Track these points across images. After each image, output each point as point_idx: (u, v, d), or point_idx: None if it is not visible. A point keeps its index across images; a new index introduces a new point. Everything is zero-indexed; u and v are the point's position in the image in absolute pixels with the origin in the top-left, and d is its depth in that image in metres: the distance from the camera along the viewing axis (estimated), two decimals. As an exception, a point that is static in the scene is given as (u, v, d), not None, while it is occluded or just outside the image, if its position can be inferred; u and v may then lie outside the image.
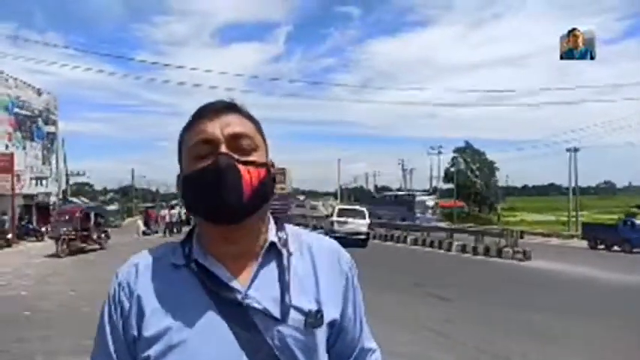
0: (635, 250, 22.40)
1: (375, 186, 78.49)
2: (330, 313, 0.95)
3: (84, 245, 18.54)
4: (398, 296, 9.56)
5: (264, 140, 0.97)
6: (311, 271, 0.96)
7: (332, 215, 22.97)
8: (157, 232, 28.61)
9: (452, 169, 55.44)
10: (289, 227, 1.01)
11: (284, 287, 0.91)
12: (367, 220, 21.31)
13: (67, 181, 40.94)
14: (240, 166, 0.88)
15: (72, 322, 7.27)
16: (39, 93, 29.86)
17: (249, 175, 0.89)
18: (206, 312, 0.88)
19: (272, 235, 0.96)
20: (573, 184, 40.88)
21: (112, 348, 0.91)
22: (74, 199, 35.70)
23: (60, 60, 72.08)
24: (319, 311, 0.92)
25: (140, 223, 30.77)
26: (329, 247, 1.03)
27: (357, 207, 24.74)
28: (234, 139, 0.90)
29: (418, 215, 34.07)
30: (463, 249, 20.01)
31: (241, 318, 0.88)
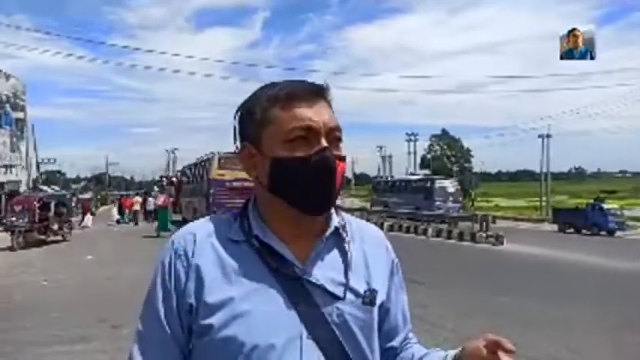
0: (602, 233, 23.23)
1: (354, 173, 78.77)
2: (380, 295, 1.00)
3: (43, 237, 17.46)
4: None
5: None
6: (362, 255, 1.00)
7: None
8: (131, 221, 28.19)
9: (428, 156, 56.11)
10: (343, 213, 1.05)
11: (346, 267, 0.96)
12: None
13: (38, 169, 39.86)
14: (336, 162, 0.92)
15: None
16: (7, 77, 28.86)
17: (340, 170, 0.93)
18: (268, 286, 0.90)
19: (334, 221, 0.99)
20: (545, 170, 41.85)
21: (162, 315, 0.92)
22: (45, 188, 34.80)
23: (29, 44, 69.11)
24: (373, 290, 0.97)
25: (114, 211, 30.29)
26: (376, 234, 1.10)
27: None
28: (330, 132, 0.93)
29: (439, 204, 29.06)
30: (438, 233, 20.37)
31: (302, 294, 0.91)
